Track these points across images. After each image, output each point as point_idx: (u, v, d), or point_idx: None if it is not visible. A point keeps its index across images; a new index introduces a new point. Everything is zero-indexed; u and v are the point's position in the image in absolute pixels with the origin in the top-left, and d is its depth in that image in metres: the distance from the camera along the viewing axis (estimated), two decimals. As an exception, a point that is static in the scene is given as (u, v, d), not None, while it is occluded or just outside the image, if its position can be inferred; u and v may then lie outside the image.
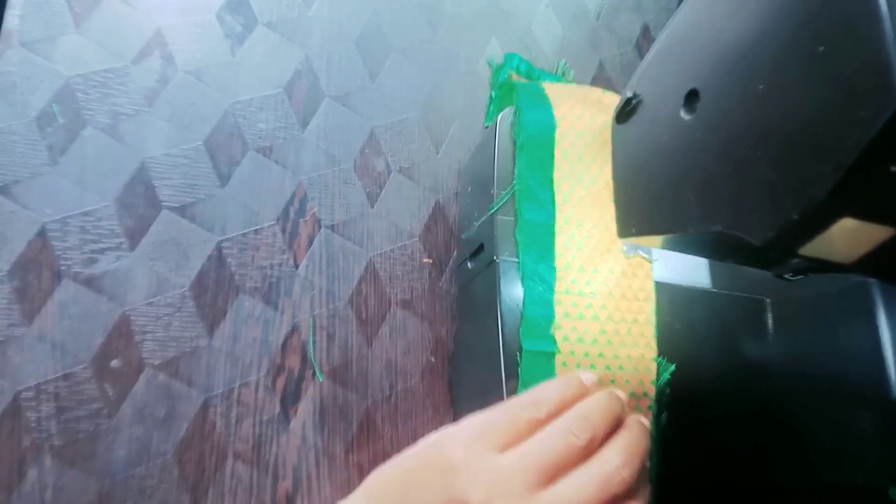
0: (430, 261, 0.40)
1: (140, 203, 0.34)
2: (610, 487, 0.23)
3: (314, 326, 0.36)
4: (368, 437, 0.35)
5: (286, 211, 0.37)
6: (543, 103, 0.37)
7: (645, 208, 0.23)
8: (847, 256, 0.17)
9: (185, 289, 0.33)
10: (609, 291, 0.33)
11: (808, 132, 0.15)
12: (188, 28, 0.38)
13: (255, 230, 0.36)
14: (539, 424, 0.25)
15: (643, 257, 0.34)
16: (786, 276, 0.20)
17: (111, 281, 0.32)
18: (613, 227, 0.26)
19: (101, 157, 0.34)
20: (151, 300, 0.33)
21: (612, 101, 0.40)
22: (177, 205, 0.35)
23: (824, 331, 0.33)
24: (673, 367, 0.32)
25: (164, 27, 0.37)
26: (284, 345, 0.35)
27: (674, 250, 0.23)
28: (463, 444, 0.24)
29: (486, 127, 0.46)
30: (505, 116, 0.37)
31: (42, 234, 0.31)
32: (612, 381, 0.31)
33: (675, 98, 0.20)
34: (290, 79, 0.40)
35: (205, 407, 0.32)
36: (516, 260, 0.33)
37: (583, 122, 0.36)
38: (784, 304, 0.36)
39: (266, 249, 0.36)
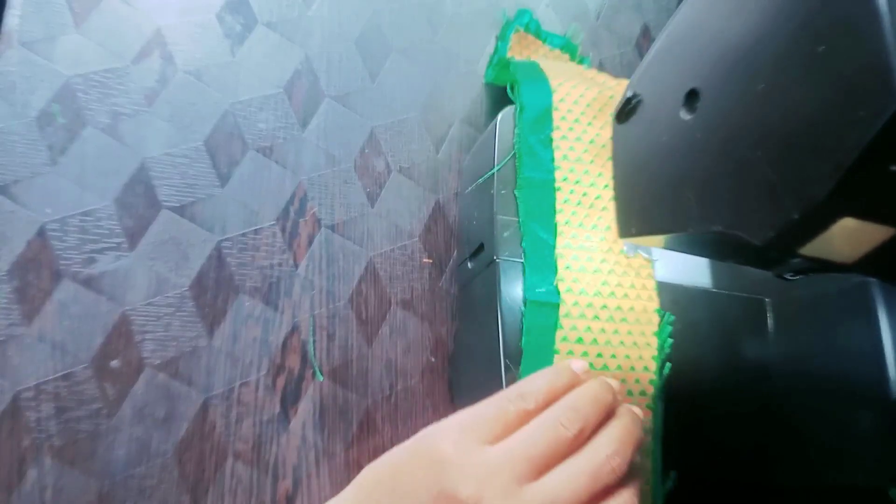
0: (430, 261, 0.40)
1: (140, 203, 0.34)
2: (600, 478, 0.24)
3: (314, 326, 0.36)
4: (368, 436, 0.35)
5: (286, 211, 0.37)
6: (540, 77, 0.38)
7: (645, 208, 0.23)
8: (847, 256, 0.17)
9: (185, 289, 0.33)
10: (611, 291, 0.33)
11: (808, 132, 0.15)
12: (188, 28, 0.38)
13: (255, 230, 0.36)
14: (529, 416, 0.25)
15: (644, 257, 0.34)
16: (786, 276, 0.20)
17: (111, 281, 0.32)
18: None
19: (101, 157, 0.34)
20: (151, 300, 0.33)
21: (605, 79, 0.41)
22: (177, 205, 0.35)
23: (824, 331, 0.33)
24: (669, 366, 0.32)
25: (164, 27, 0.37)
26: (284, 345, 0.35)
27: (674, 250, 0.23)
28: (452, 437, 0.24)
29: (486, 84, 0.46)
30: (505, 116, 0.37)
31: (42, 233, 0.31)
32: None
33: (675, 98, 0.20)
34: (290, 79, 0.40)
35: (205, 407, 0.32)
36: (516, 260, 0.33)
37: (578, 91, 0.37)
38: (784, 304, 0.36)
39: (266, 249, 0.36)
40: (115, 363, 0.31)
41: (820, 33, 0.15)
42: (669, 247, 0.23)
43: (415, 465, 0.24)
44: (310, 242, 0.37)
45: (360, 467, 0.34)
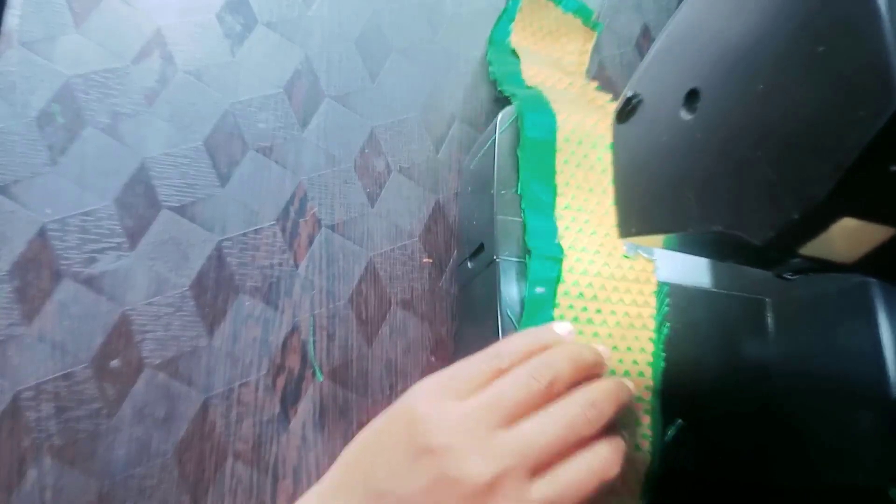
0: (430, 261, 0.40)
1: (140, 203, 0.34)
2: (574, 426, 0.24)
3: (314, 326, 0.36)
4: (368, 437, 0.35)
5: (286, 211, 0.37)
6: (544, 106, 0.38)
7: (645, 208, 0.23)
8: (847, 256, 0.17)
9: (185, 289, 0.33)
10: (607, 296, 0.33)
11: (808, 132, 0.15)
12: (188, 28, 0.38)
13: (255, 230, 0.36)
14: (503, 374, 0.25)
15: (644, 257, 0.34)
16: (786, 276, 0.20)
17: (111, 281, 0.32)
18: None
19: (101, 157, 0.34)
20: (151, 300, 0.33)
21: (603, 103, 0.42)
22: (177, 205, 0.35)
23: (824, 331, 0.33)
24: (663, 365, 0.32)
25: (164, 27, 0.37)
26: (284, 345, 0.35)
27: (674, 250, 0.23)
28: (428, 396, 0.25)
29: (488, 50, 0.46)
30: (505, 116, 0.37)
31: (42, 233, 0.31)
32: (612, 372, 0.31)
33: (675, 98, 0.20)
34: (290, 79, 0.40)
35: (205, 407, 0.32)
36: (516, 260, 0.33)
37: (578, 118, 0.37)
38: (784, 304, 0.36)
39: (266, 249, 0.36)
40: (115, 363, 0.31)
41: (820, 33, 0.15)
42: (669, 247, 0.23)
43: (392, 426, 0.25)
44: (310, 242, 0.37)
45: (360, 467, 0.34)
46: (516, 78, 0.43)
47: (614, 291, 0.33)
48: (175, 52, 0.37)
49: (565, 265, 0.33)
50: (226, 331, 0.34)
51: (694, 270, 0.37)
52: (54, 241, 0.31)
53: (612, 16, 0.54)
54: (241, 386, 0.33)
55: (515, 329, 0.31)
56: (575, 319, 0.32)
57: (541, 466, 0.23)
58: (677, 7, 0.22)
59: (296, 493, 0.33)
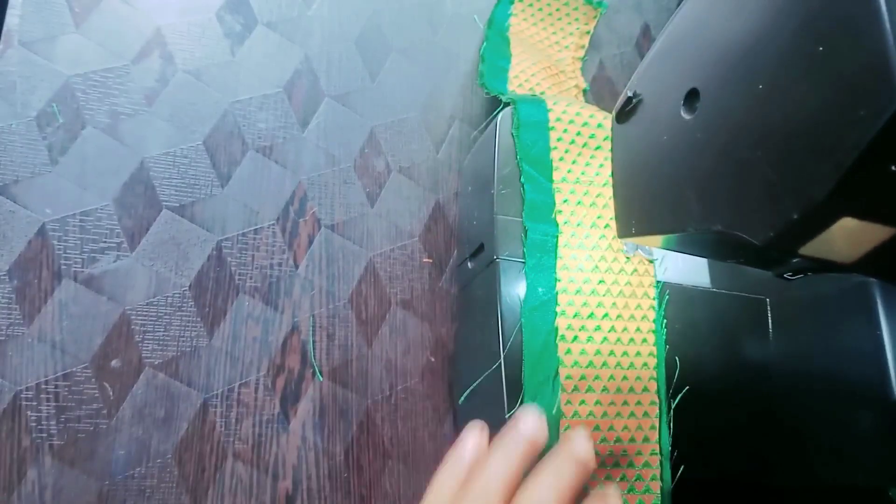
0: (430, 261, 0.40)
1: (140, 203, 0.34)
2: None
3: (314, 326, 0.36)
4: (368, 437, 0.35)
5: (286, 211, 0.37)
6: (537, 99, 0.38)
7: (645, 208, 0.23)
8: (847, 256, 0.17)
9: (185, 288, 0.33)
10: (606, 289, 0.33)
11: (809, 132, 0.15)
12: (188, 28, 0.38)
13: (255, 230, 0.36)
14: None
15: (643, 257, 0.34)
16: (786, 275, 0.20)
17: (111, 281, 0.32)
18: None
19: (101, 156, 0.34)
20: (151, 300, 0.33)
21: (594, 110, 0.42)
22: (177, 204, 0.35)
23: (824, 331, 0.33)
24: (663, 356, 0.33)
25: (164, 27, 0.37)
26: (284, 345, 0.35)
27: (674, 250, 0.23)
28: None
29: (486, 33, 0.46)
30: (505, 116, 0.37)
31: (42, 233, 0.31)
32: (611, 377, 0.31)
33: (676, 98, 0.20)
34: (290, 78, 0.40)
35: (204, 407, 0.32)
36: (516, 260, 0.33)
37: (573, 109, 0.38)
38: (784, 304, 0.36)
39: (266, 249, 0.36)
40: (115, 363, 0.31)
41: (820, 33, 0.15)
42: (669, 247, 0.23)
43: None
44: (310, 242, 0.37)
45: (360, 467, 0.34)
46: (502, 84, 0.43)
47: (614, 284, 0.33)
48: (175, 52, 0.37)
49: (561, 240, 0.33)
50: (226, 331, 0.34)
51: (694, 270, 0.37)
52: (54, 241, 0.31)
53: (612, 16, 0.54)
54: (240, 386, 0.33)
55: (515, 329, 0.31)
56: (576, 315, 0.32)
57: None
58: (677, 7, 0.22)
59: (296, 493, 0.33)
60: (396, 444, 0.36)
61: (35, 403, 0.29)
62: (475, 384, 0.33)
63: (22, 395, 0.29)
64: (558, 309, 0.32)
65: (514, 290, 0.32)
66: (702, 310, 0.36)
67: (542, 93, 0.42)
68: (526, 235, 0.33)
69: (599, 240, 0.34)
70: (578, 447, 0.25)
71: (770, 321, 0.37)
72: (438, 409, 0.37)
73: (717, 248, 0.21)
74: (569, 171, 0.35)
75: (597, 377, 0.31)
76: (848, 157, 0.14)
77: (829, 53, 0.14)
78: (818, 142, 0.15)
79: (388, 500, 0.35)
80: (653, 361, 0.32)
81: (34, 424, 0.29)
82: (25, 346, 0.30)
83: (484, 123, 0.42)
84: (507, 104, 0.38)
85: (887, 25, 0.13)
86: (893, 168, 0.14)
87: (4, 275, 0.30)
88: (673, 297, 0.35)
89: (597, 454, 0.30)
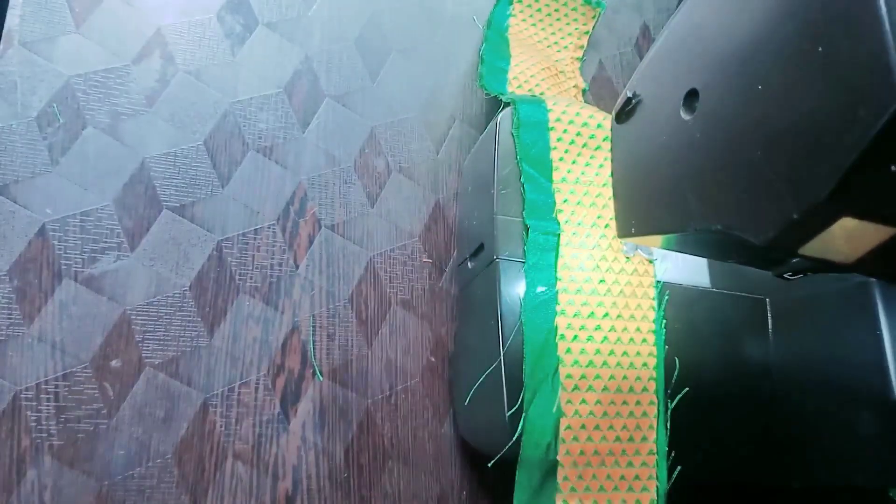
0: (430, 261, 0.40)
1: (140, 203, 0.34)
2: None
3: (314, 326, 0.36)
4: (368, 436, 0.35)
5: (286, 211, 0.37)
6: (536, 99, 0.38)
7: (645, 208, 0.23)
8: (847, 256, 0.17)
9: (186, 289, 0.33)
10: (607, 288, 0.33)
11: (808, 132, 0.15)
12: (188, 28, 0.38)
13: (255, 230, 0.36)
14: None
15: (643, 257, 0.35)
16: (786, 275, 0.20)
17: (111, 281, 0.32)
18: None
19: (102, 157, 0.34)
20: (151, 300, 0.33)
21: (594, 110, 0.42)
22: (177, 205, 0.35)
23: (824, 331, 0.33)
24: (663, 355, 0.33)
25: (164, 27, 0.37)
26: (284, 345, 0.35)
27: (674, 250, 0.23)
28: None
29: (485, 34, 0.46)
30: (505, 116, 0.37)
31: (42, 233, 0.31)
32: (612, 377, 0.32)
33: (675, 98, 0.20)
34: (290, 79, 0.40)
35: (205, 407, 0.32)
36: (516, 260, 0.33)
37: (573, 109, 0.38)
38: (784, 304, 0.36)
39: (266, 249, 0.36)
40: (115, 363, 0.31)
41: (820, 33, 0.15)
42: (669, 247, 0.23)
43: None
44: (310, 242, 0.37)
45: (360, 467, 0.34)
46: (501, 84, 0.43)
47: (614, 284, 0.33)
48: (175, 52, 0.37)
49: (562, 240, 0.33)
50: (226, 331, 0.34)
51: (694, 270, 0.37)
52: (54, 241, 0.31)
53: (611, 16, 0.54)
54: (241, 386, 0.33)
55: (516, 329, 0.31)
56: (576, 314, 0.32)
57: None
58: (677, 7, 0.22)
59: (296, 493, 0.33)
60: (396, 444, 0.36)
61: (35, 403, 0.29)
62: (477, 384, 0.33)
63: (22, 395, 0.29)
64: (558, 308, 0.32)
65: (514, 289, 0.32)
66: (702, 310, 0.36)
67: (541, 93, 0.42)
68: (528, 234, 0.33)
69: (600, 239, 0.34)
70: None
71: (770, 321, 0.37)
72: (438, 409, 0.37)
73: (716, 248, 0.21)
74: (569, 172, 0.35)
75: (597, 376, 0.31)
76: (848, 157, 0.14)
77: (828, 53, 0.14)
78: (818, 142, 0.15)
79: (388, 500, 0.35)
80: (652, 361, 0.32)
81: (34, 424, 0.29)
82: (25, 346, 0.30)
83: (488, 126, 0.42)
84: (507, 104, 0.38)
85: (887, 25, 0.13)
86: (893, 168, 0.14)
87: (4, 275, 0.30)
88: (673, 297, 0.35)
89: (596, 454, 0.31)
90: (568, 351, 0.31)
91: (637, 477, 0.31)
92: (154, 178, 0.34)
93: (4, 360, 0.29)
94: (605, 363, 0.32)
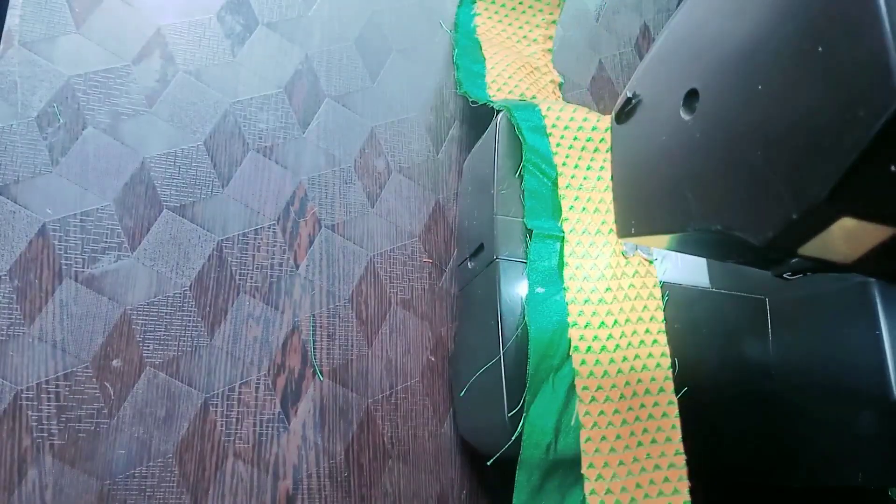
0: (430, 261, 0.40)
1: (140, 203, 0.34)
2: None
3: (314, 326, 0.36)
4: (369, 436, 0.35)
5: (286, 211, 0.37)
6: (529, 104, 0.38)
7: (644, 208, 0.23)
8: (847, 256, 0.17)
9: (186, 288, 0.33)
10: (613, 296, 0.33)
11: (808, 132, 0.15)
12: (188, 28, 0.38)
13: (256, 230, 0.36)
14: None
15: (643, 257, 0.34)
16: (786, 275, 0.20)
17: (112, 281, 0.32)
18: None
19: (102, 157, 0.34)
20: (152, 300, 0.33)
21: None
22: (177, 205, 0.35)
23: (824, 331, 0.33)
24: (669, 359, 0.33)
25: (164, 27, 0.37)
26: (284, 344, 0.35)
27: (674, 250, 0.23)
28: None
29: (455, 38, 0.46)
30: (506, 116, 0.37)
31: (43, 233, 0.31)
32: (627, 383, 0.31)
33: (675, 98, 0.20)
34: (290, 79, 0.40)
35: (205, 406, 0.32)
36: (516, 260, 0.33)
37: (567, 113, 0.38)
38: (784, 304, 0.36)
39: (266, 249, 0.36)
40: (115, 363, 0.31)
41: (819, 33, 0.15)
42: (669, 247, 0.23)
43: None
44: (310, 242, 0.37)
45: (360, 467, 0.34)
46: (481, 89, 0.42)
47: (619, 290, 0.33)
48: (175, 52, 0.37)
49: (567, 249, 0.33)
50: (226, 331, 0.34)
51: (694, 270, 0.37)
52: (55, 241, 0.31)
53: (611, 16, 0.54)
54: (241, 385, 0.33)
55: (516, 329, 0.31)
56: (587, 325, 0.32)
57: None
58: (677, 7, 0.22)
59: (296, 493, 0.33)
60: (396, 443, 0.36)
61: (36, 403, 0.29)
62: (474, 377, 0.33)
63: (23, 395, 0.29)
64: (570, 320, 0.31)
65: (514, 289, 0.32)
66: (701, 310, 0.36)
67: (521, 94, 0.42)
68: (531, 237, 0.33)
69: (603, 247, 0.34)
70: None
71: (770, 321, 0.37)
72: (438, 409, 0.37)
73: (716, 248, 0.21)
74: (572, 177, 0.35)
75: (613, 385, 0.31)
76: (848, 157, 0.14)
77: (828, 53, 0.14)
78: (818, 142, 0.15)
79: (389, 499, 0.35)
80: (666, 361, 0.32)
81: (35, 424, 0.29)
82: (26, 346, 0.30)
83: (489, 126, 0.42)
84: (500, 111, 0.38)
85: (887, 25, 0.13)
86: (893, 168, 0.14)
87: (5, 275, 0.30)
88: (672, 298, 0.35)
89: (622, 464, 0.30)
90: (583, 363, 0.31)
91: (667, 479, 0.30)
92: (154, 178, 0.34)
93: (5, 359, 0.29)
94: (619, 371, 0.31)
